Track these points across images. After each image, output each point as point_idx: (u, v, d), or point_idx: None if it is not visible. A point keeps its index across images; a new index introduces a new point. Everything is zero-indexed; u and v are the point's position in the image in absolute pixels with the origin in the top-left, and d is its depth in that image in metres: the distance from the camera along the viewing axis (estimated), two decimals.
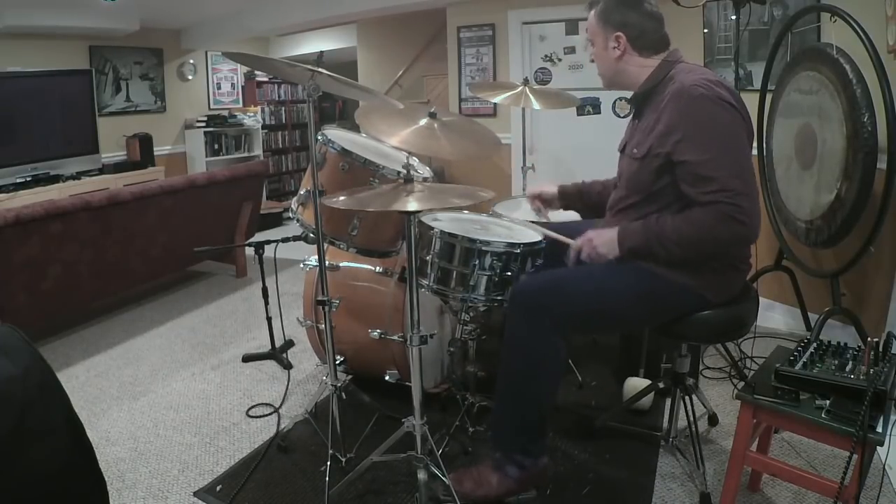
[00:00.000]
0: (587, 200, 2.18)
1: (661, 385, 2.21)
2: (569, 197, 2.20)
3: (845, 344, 1.67)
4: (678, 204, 1.70)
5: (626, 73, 1.82)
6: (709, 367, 2.82)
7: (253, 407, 2.61)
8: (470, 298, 1.98)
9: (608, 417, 2.31)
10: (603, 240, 1.78)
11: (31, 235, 2.94)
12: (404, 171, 1.76)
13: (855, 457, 1.39)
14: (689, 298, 1.76)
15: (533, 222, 2.32)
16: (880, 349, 1.55)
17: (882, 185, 2.37)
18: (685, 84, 1.65)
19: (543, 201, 2.23)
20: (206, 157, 6.51)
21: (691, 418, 2.06)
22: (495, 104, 4.82)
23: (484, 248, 1.93)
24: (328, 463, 1.99)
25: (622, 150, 1.93)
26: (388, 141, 2.05)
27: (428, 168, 2.39)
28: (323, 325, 2.11)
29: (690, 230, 1.63)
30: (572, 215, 2.28)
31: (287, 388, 2.72)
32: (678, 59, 1.78)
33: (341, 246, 2.13)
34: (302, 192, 2.18)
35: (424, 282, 2.02)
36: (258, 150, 7.14)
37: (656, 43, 1.79)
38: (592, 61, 1.90)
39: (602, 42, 1.82)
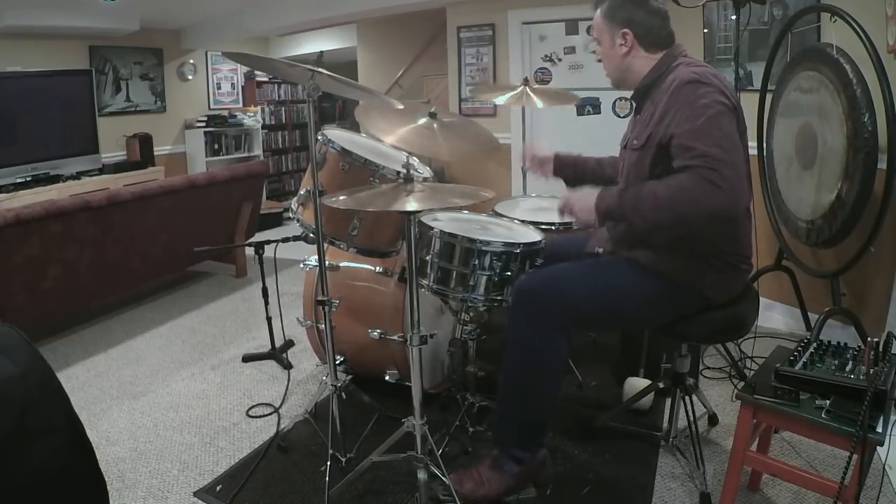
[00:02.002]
0: (579, 172, 2.17)
1: (661, 385, 2.21)
2: (563, 164, 2.19)
3: (845, 344, 1.67)
4: None
5: (633, 69, 1.82)
6: (709, 367, 2.82)
7: (253, 407, 2.61)
8: (470, 298, 1.98)
9: (608, 417, 2.30)
10: (581, 204, 1.77)
11: (31, 235, 2.94)
12: (404, 171, 1.76)
13: (855, 457, 1.39)
14: (690, 298, 1.76)
15: (533, 222, 2.32)
16: (880, 349, 1.55)
17: (882, 185, 2.37)
18: (681, 74, 1.67)
19: (539, 161, 2.21)
20: (206, 157, 6.51)
21: (691, 418, 2.06)
22: (495, 104, 4.83)
23: (484, 248, 1.93)
24: (328, 463, 1.99)
25: (625, 146, 1.93)
26: (388, 141, 2.05)
27: (428, 168, 2.39)
28: (323, 325, 2.11)
29: (666, 191, 1.58)
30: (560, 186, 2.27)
31: (287, 388, 2.72)
32: (681, 53, 1.79)
33: (341, 246, 2.13)
34: (302, 192, 2.18)
35: (424, 282, 2.01)
36: (258, 150, 7.14)
37: (663, 39, 1.80)
38: (599, 61, 1.90)
39: (609, 40, 1.82)
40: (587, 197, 1.76)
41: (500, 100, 2.95)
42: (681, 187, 1.55)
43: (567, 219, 1.84)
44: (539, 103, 2.87)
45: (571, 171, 2.19)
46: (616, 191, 1.72)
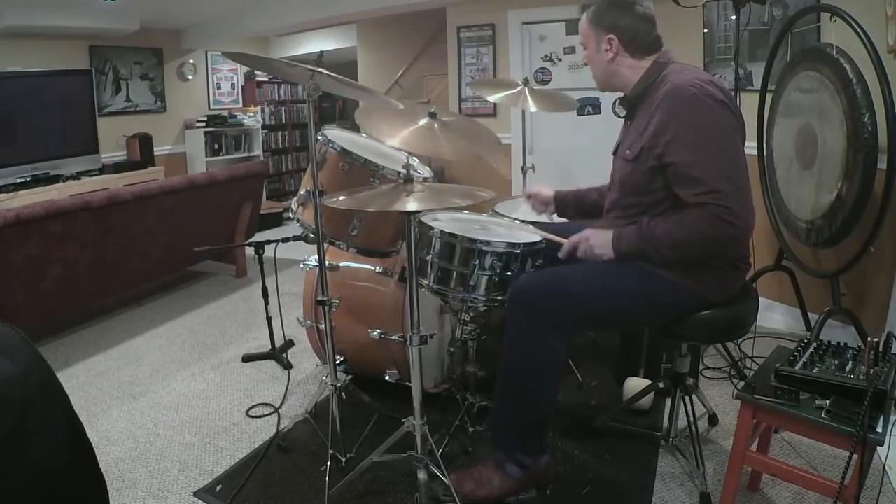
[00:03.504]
0: (581, 208, 2.19)
1: (661, 385, 2.21)
2: (563, 203, 2.21)
3: (845, 344, 1.67)
4: (671, 204, 1.70)
5: (619, 74, 1.82)
6: (709, 367, 2.82)
7: (253, 407, 2.61)
8: (470, 298, 1.97)
9: (608, 417, 2.30)
10: (600, 241, 1.79)
11: (31, 235, 2.94)
12: (404, 171, 1.76)
13: (855, 457, 1.39)
14: (689, 298, 1.76)
15: (530, 222, 2.32)
16: (880, 349, 1.55)
17: (882, 185, 2.37)
18: (676, 84, 1.65)
19: (539, 202, 2.24)
20: (206, 157, 6.51)
21: (691, 418, 2.06)
22: (495, 104, 4.83)
23: (484, 248, 1.93)
24: (328, 463, 1.99)
25: (615, 153, 1.94)
26: (388, 141, 2.05)
27: (428, 168, 2.39)
28: (323, 325, 2.11)
29: (681, 233, 1.64)
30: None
31: (287, 388, 2.72)
32: (669, 59, 1.79)
33: (341, 246, 2.13)
34: (302, 192, 2.18)
35: (424, 282, 2.01)
36: (258, 150, 7.14)
37: (649, 45, 1.79)
38: (586, 64, 1.90)
39: (594, 45, 1.83)
40: (602, 235, 1.79)
41: (497, 97, 2.78)
42: (694, 228, 1.61)
43: (583, 257, 1.84)
44: (533, 107, 2.72)
45: (573, 209, 2.21)
46: (633, 231, 1.73)
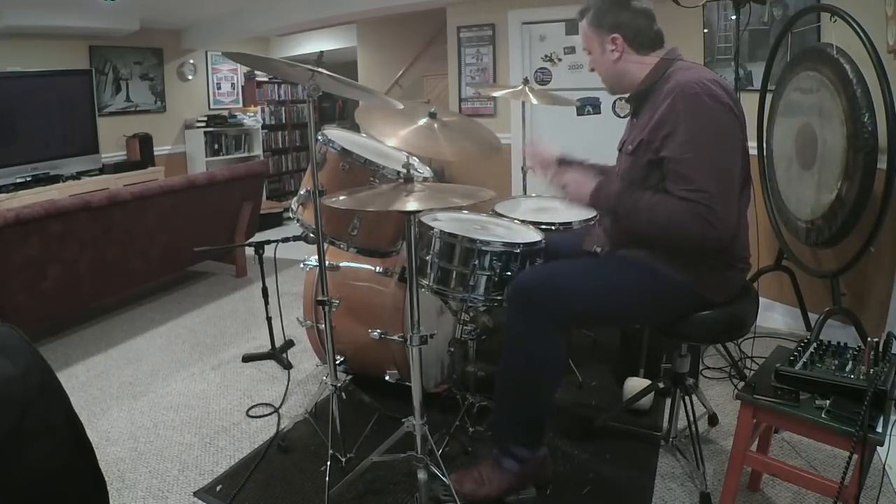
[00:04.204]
0: None
1: (661, 385, 2.21)
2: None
3: (845, 344, 1.68)
4: None
5: (627, 73, 1.82)
6: (709, 367, 2.82)
7: (253, 407, 2.61)
8: (470, 298, 1.98)
9: (608, 417, 2.31)
10: (576, 190, 1.81)
11: (31, 235, 2.94)
12: (404, 171, 1.76)
13: (855, 457, 1.39)
14: (687, 297, 1.76)
15: (533, 222, 2.32)
16: (880, 349, 1.55)
17: (882, 185, 2.37)
18: (681, 82, 1.65)
19: (539, 160, 2.15)
20: (206, 157, 6.51)
21: (691, 418, 2.06)
22: (495, 103, 4.83)
23: (484, 248, 1.93)
24: (328, 463, 1.99)
25: (620, 149, 1.94)
26: (388, 141, 2.05)
27: (428, 168, 2.39)
28: (323, 325, 2.11)
29: (662, 215, 1.63)
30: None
31: (287, 388, 2.72)
32: (676, 56, 1.79)
33: (341, 246, 2.13)
34: (302, 192, 2.18)
35: (424, 282, 2.02)
36: (258, 150, 7.14)
37: (652, 40, 1.79)
38: (592, 70, 1.89)
39: (599, 47, 1.82)
40: (583, 184, 1.80)
41: (500, 92, 3.09)
42: (677, 218, 1.61)
43: (557, 191, 1.86)
44: (534, 100, 2.96)
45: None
46: (614, 194, 1.73)
